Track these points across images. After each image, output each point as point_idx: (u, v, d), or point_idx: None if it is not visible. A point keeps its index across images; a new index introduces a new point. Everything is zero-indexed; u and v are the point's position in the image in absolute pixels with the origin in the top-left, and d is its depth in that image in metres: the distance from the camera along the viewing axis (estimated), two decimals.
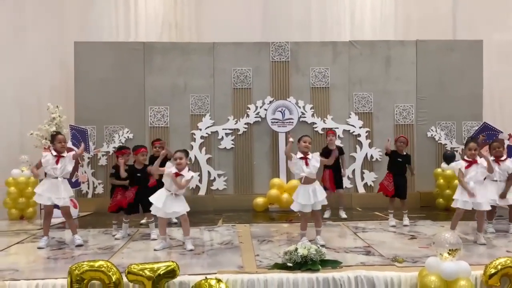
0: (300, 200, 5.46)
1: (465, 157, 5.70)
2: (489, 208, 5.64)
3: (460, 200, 5.58)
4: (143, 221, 6.79)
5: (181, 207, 5.41)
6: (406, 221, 6.75)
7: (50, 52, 9.46)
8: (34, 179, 7.94)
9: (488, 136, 7.85)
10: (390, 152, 6.82)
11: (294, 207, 5.56)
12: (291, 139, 5.63)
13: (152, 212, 5.50)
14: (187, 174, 5.38)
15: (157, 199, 5.39)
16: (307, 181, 5.46)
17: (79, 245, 5.59)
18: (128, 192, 6.04)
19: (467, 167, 5.58)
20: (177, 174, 5.33)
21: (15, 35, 9.37)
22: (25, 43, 9.40)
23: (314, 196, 5.43)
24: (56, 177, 5.62)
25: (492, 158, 6.03)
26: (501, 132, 7.74)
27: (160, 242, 5.43)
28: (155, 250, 5.29)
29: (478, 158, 5.59)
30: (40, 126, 8.22)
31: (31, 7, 9.52)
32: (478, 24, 9.90)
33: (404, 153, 6.86)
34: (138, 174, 6.02)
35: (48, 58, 9.44)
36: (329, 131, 7.72)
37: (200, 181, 8.77)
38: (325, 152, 7.32)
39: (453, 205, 5.69)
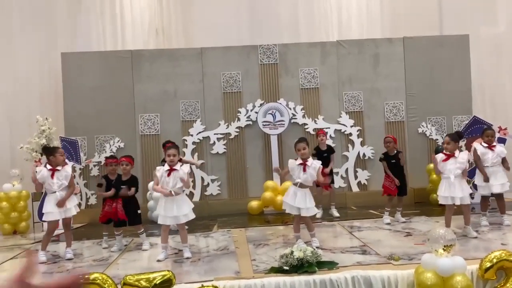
0: (287, 200, 5.46)
1: (444, 151, 5.76)
2: (469, 202, 5.64)
3: (440, 196, 5.69)
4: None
5: (184, 210, 5.29)
6: (400, 218, 6.78)
7: (38, 63, 9.41)
8: (26, 193, 7.89)
9: (478, 130, 7.90)
10: (382, 156, 6.90)
11: (284, 206, 5.60)
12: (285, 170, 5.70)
13: (159, 222, 5.41)
14: (180, 168, 5.32)
15: (159, 206, 5.35)
16: (301, 186, 5.45)
17: (69, 259, 5.52)
18: (117, 203, 5.91)
19: (444, 160, 5.64)
20: (171, 170, 5.28)
21: (2, 47, 9.29)
22: (12, 55, 9.34)
23: (303, 201, 5.37)
24: (54, 192, 5.53)
25: (485, 145, 6.18)
26: (491, 125, 7.77)
27: (162, 252, 5.33)
28: (158, 261, 5.19)
29: (456, 152, 5.62)
30: (30, 139, 8.14)
31: (18, 18, 9.46)
32: (465, 18, 9.96)
33: (395, 152, 6.89)
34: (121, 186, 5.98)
35: (36, 69, 9.39)
36: (320, 131, 7.75)
37: (194, 187, 8.73)
38: (317, 152, 7.39)
39: (439, 201, 5.82)
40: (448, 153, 5.64)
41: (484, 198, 6.31)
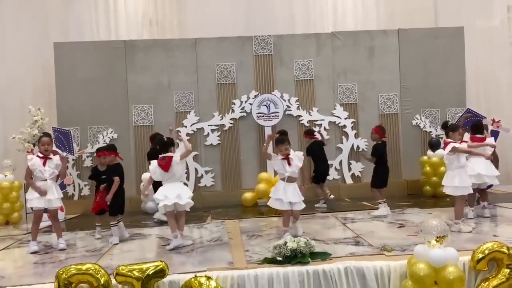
0: (279, 196, 5.42)
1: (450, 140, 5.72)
2: (470, 192, 5.64)
3: (449, 187, 5.58)
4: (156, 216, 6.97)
5: (185, 194, 5.30)
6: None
7: (31, 54, 9.30)
8: (18, 184, 7.83)
9: (471, 122, 7.91)
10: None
11: (272, 204, 5.54)
12: (269, 134, 5.66)
13: (159, 205, 5.37)
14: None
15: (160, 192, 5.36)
16: (290, 179, 5.46)
17: (62, 249, 5.52)
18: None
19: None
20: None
21: None
22: (5, 46, 9.23)
23: (293, 196, 5.41)
24: (45, 179, 5.52)
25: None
26: (485, 117, 7.79)
27: (172, 241, 5.29)
28: (168, 250, 5.17)
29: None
30: (22, 129, 8.07)
31: (10, 8, 9.33)
32: (460, 11, 9.96)
33: (381, 142, 6.94)
34: (103, 176, 5.99)
35: (29, 60, 9.29)
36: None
37: (188, 178, 8.70)
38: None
39: (444, 190, 5.72)
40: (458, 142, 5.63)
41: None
